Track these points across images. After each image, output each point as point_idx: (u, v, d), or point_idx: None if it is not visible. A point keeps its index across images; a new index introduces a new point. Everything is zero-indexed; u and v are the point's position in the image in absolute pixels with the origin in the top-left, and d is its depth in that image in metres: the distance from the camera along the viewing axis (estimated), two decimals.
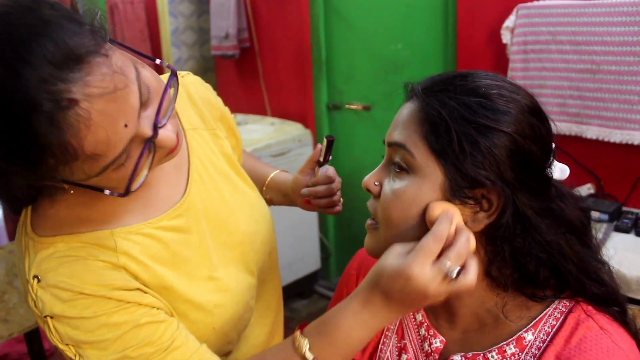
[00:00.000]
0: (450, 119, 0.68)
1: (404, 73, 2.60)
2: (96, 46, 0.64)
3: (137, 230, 0.82)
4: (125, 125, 0.66)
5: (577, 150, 2.00)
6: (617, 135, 1.87)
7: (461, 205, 0.70)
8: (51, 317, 0.76)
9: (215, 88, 1.08)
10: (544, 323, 0.73)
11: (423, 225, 0.70)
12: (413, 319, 0.85)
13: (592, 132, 1.94)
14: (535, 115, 0.71)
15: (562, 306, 0.74)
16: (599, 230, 1.72)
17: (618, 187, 1.95)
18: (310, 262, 3.08)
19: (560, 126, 1.98)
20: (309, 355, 0.74)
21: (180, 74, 0.96)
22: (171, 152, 0.77)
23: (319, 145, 1.06)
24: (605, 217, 1.78)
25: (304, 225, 2.99)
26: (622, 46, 1.77)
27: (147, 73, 0.72)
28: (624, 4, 1.75)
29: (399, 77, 2.62)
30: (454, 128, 0.68)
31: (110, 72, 0.64)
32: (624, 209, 1.87)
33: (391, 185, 0.74)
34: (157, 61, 0.76)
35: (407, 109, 0.75)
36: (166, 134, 0.73)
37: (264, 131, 2.92)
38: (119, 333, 0.77)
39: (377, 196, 0.76)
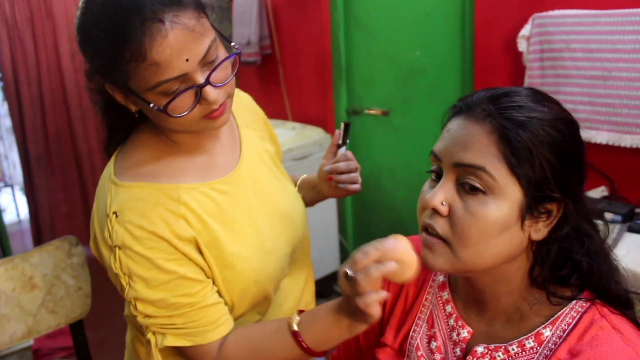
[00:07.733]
0: (532, 144, 0.71)
1: (422, 79, 2.66)
2: (196, 4, 0.85)
3: (196, 188, 0.97)
4: (187, 60, 0.83)
5: (591, 153, 2.04)
6: (627, 140, 1.90)
7: (530, 219, 0.75)
8: (119, 248, 0.90)
9: None
10: (561, 321, 0.77)
11: (500, 240, 0.74)
12: (443, 310, 0.90)
13: (601, 137, 1.97)
14: (576, 127, 0.78)
15: (579, 306, 0.77)
16: (612, 231, 1.77)
17: (631, 189, 1.99)
18: (330, 262, 3.15)
19: None
20: (295, 327, 0.92)
21: (237, 91, 1.13)
22: (213, 114, 0.89)
23: (338, 131, 1.22)
24: (618, 218, 1.81)
25: (324, 226, 3.05)
26: (633, 53, 1.82)
27: (222, 49, 0.90)
28: (636, 13, 1.80)
29: (417, 83, 2.68)
30: (535, 153, 0.72)
31: (195, 21, 0.84)
32: (637, 210, 1.90)
33: (467, 206, 0.74)
34: (232, 43, 0.93)
35: (473, 128, 0.75)
36: (214, 91, 0.87)
37: (285, 135, 2.99)
38: (166, 278, 0.91)
39: (445, 216, 0.76)
